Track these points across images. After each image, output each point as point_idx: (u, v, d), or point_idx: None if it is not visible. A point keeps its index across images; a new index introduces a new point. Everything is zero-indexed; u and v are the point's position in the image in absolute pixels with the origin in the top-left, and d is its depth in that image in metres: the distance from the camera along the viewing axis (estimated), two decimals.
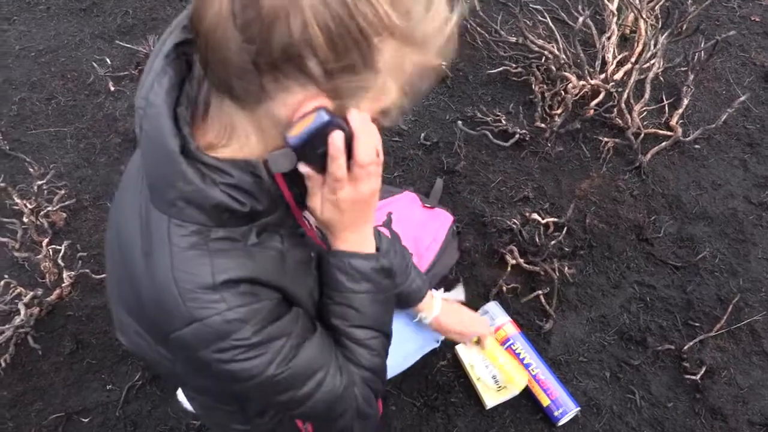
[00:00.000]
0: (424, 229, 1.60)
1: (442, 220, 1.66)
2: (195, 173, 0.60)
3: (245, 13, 0.51)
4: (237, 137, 0.62)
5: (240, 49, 0.53)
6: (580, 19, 1.99)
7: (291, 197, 0.70)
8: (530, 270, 1.66)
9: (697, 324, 1.60)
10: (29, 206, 1.78)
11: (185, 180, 0.60)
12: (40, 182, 1.82)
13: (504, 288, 1.64)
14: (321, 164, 0.65)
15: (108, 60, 2.28)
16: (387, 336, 0.81)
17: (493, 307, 1.58)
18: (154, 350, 0.70)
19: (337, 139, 0.61)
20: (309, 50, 0.53)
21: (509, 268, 1.66)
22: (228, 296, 0.62)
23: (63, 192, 1.87)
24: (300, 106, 0.58)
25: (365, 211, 0.72)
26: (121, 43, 2.32)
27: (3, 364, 1.54)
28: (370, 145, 0.64)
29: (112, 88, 2.20)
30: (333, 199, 0.68)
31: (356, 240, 0.74)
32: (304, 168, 0.65)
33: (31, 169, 1.82)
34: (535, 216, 1.71)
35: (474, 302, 1.65)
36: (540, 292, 1.62)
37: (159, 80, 0.61)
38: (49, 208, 1.81)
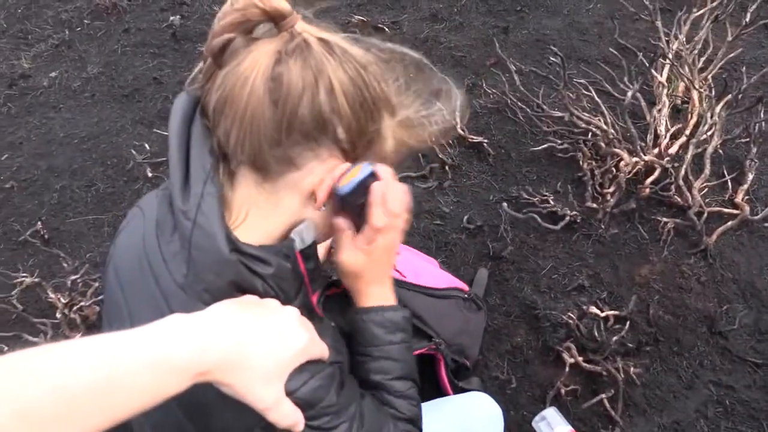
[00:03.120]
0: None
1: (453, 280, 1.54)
2: (248, 272, 0.61)
3: (277, 87, 0.57)
4: (254, 213, 0.64)
5: (274, 121, 0.58)
6: (629, 93, 1.90)
7: (306, 273, 0.71)
8: (591, 370, 1.50)
9: None
10: (63, 301, 1.74)
11: (243, 278, 0.61)
12: (74, 277, 1.79)
13: (562, 390, 1.48)
14: (357, 216, 0.70)
15: (147, 146, 2.29)
16: (417, 384, 0.82)
17: (551, 413, 1.43)
18: None
19: (378, 188, 0.68)
20: (337, 117, 0.59)
21: (567, 368, 1.51)
22: (306, 366, 0.62)
23: (97, 284, 1.83)
24: (328, 173, 0.63)
25: (391, 262, 0.77)
26: (158, 131, 2.34)
27: None
28: (398, 196, 0.70)
29: (150, 175, 2.19)
30: (366, 249, 0.72)
31: (381, 294, 0.78)
32: (340, 221, 0.71)
33: (65, 264, 1.79)
34: (594, 309, 1.57)
35: (529, 406, 1.50)
36: (603, 395, 1.46)
37: (209, 191, 0.61)
38: (82, 303, 1.77)
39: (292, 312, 0.62)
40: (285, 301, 0.65)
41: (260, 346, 0.56)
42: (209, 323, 0.55)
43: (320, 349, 0.64)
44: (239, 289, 0.62)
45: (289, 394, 0.60)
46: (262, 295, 0.62)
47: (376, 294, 0.77)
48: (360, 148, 0.64)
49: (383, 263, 0.75)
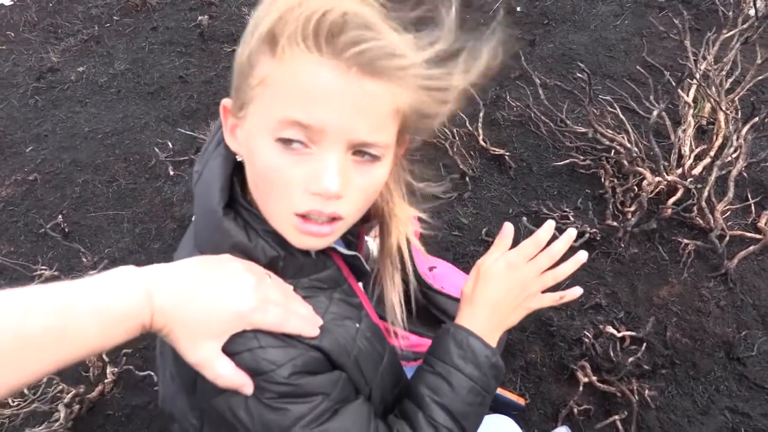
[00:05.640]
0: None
1: None
2: (238, 228, 0.63)
3: None
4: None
5: None
6: (655, 112, 1.88)
7: (344, 263, 0.70)
8: (605, 390, 1.49)
9: None
10: None
11: (228, 235, 0.63)
12: (93, 272, 1.80)
13: (575, 410, 1.47)
14: None
15: (170, 144, 2.31)
16: None
17: None
18: (185, 404, 0.69)
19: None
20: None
21: (581, 387, 1.49)
22: (262, 335, 0.60)
23: None
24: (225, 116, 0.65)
25: (510, 313, 0.75)
26: (182, 130, 2.36)
27: None
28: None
29: (172, 173, 2.21)
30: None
31: (482, 327, 0.74)
32: None
33: (84, 259, 1.81)
34: (611, 329, 1.55)
35: (541, 424, 1.48)
36: (617, 417, 1.44)
37: (220, 151, 0.66)
38: None
39: (248, 279, 0.60)
40: (286, 261, 0.64)
41: (197, 302, 0.57)
42: (156, 275, 0.57)
43: (272, 321, 0.59)
44: (232, 244, 0.63)
45: (230, 355, 0.59)
46: (251, 249, 0.62)
47: (482, 323, 0.74)
48: (243, 90, 0.60)
49: (497, 308, 0.74)
